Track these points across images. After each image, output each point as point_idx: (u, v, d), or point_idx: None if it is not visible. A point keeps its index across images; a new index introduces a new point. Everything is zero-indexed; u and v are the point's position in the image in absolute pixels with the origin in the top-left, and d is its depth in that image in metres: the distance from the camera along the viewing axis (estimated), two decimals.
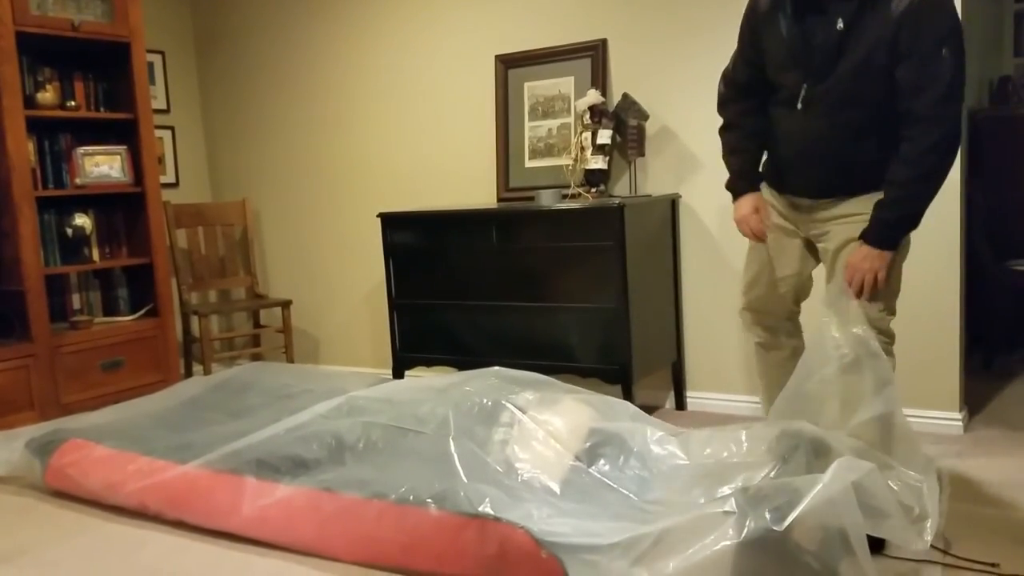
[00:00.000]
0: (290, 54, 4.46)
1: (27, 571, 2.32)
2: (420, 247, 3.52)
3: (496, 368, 2.71)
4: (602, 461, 2.30)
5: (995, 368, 3.80)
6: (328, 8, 4.29)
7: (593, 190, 3.36)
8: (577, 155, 3.42)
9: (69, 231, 3.80)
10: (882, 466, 2.06)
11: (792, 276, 2.46)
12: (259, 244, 4.72)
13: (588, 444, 2.34)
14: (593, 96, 3.36)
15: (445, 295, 3.45)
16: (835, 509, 1.77)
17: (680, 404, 3.52)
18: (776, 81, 2.31)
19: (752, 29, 2.35)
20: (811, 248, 2.45)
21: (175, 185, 4.67)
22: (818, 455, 2.07)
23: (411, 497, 2.15)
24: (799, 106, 2.23)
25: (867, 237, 2.17)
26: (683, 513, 1.92)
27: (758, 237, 2.45)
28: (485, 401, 2.46)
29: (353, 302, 4.43)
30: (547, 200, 3.25)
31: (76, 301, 3.95)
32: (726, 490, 2.06)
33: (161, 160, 4.52)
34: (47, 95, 3.69)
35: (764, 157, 2.47)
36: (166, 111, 4.63)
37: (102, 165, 3.85)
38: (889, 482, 2.05)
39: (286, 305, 4.37)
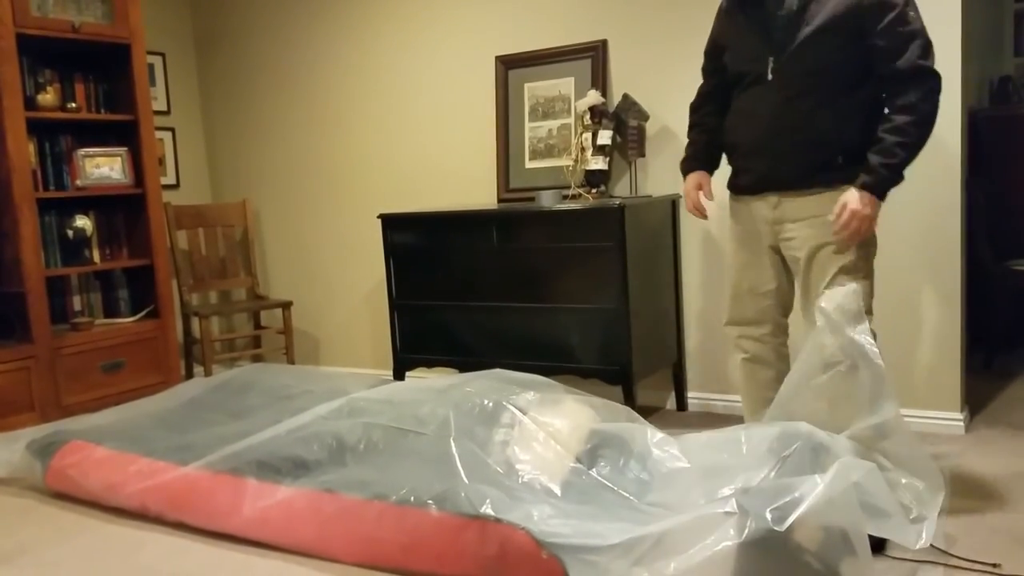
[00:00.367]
0: (290, 55, 4.47)
1: (28, 571, 2.32)
2: (421, 248, 3.52)
3: (497, 369, 2.71)
4: (602, 463, 2.30)
5: (996, 368, 3.80)
6: (328, 9, 4.29)
7: (593, 191, 3.36)
8: (577, 156, 3.42)
9: (70, 232, 3.80)
10: (881, 467, 2.07)
11: (773, 291, 2.53)
12: (259, 245, 4.72)
13: (589, 446, 2.34)
14: (593, 97, 3.36)
15: (446, 296, 3.45)
16: (836, 509, 1.77)
17: (681, 405, 3.52)
18: (742, 70, 2.42)
19: (717, 33, 2.56)
20: (784, 259, 2.51)
21: (176, 186, 4.67)
22: (817, 455, 2.07)
23: (412, 498, 2.15)
24: (769, 77, 2.32)
25: (868, 184, 2.21)
26: (684, 514, 1.92)
27: (699, 212, 2.63)
28: (486, 402, 2.46)
29: (354, 303, 4.43)
30: (547, 201, 3.25)
31: (77, 302, 3.95)
32: (726, 491, 2.06)
33: (161, 161, 4.53)
34: (48, 97, 3.70)
35: (732, 167, 2.56)
36: (166, 112, 4.64)
37: (103, 167, 3.86)
38: (888, 483, 2.05)
39: (287, 306, 4.37)
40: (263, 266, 4.73)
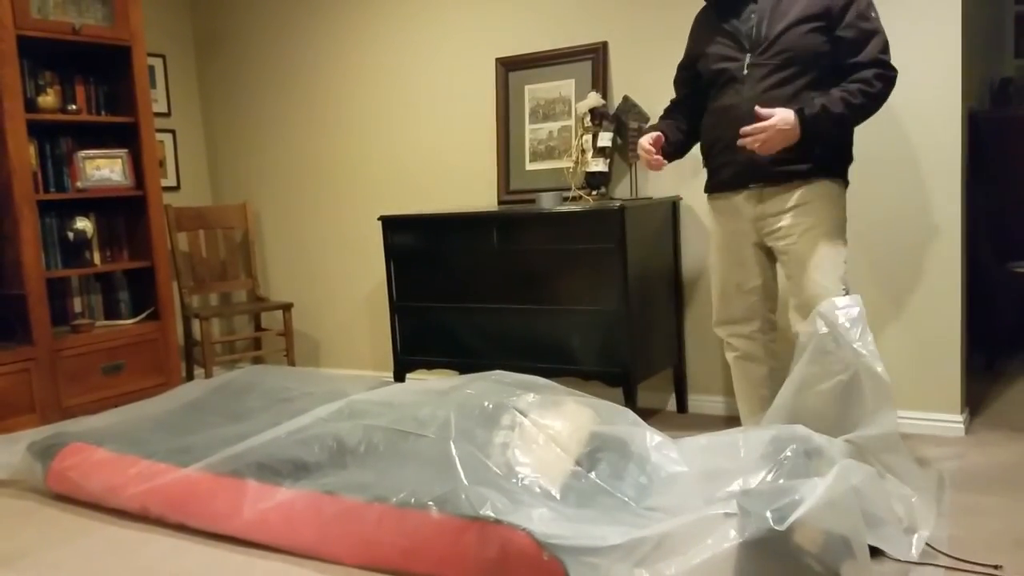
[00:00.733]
0: (290, 57, 4.47)
1: (28, 573, 2.32)
2: (421, 250, 3.53)
3: (497, 371, 2.71)
4: (602, 466, 2.30)
5: (997, 369, 3.80)
6: (328, 11, 4.30)
7: (594, 192, 3.37)
8: (578, 158, 3.42)
9: (70, 235, 3.80)
10: (878, 473, 2.07)
11: (759, 287, 2.60)
12: (260, 247, 4.72)
13: (589, 448, 2.34)
14: (594, 99, 3.36)
15: (446, 298, 3.45)
16: (837, 512, 1.77)
17: (682, 407, 3.52)
18: (717, 71, 2.51)
19: (691, 45, 2.66)
20: (769, 254, 2.59)
21: (176, 188, 4.68)
22: (811, 459, 2.07)
23: (412, 500, 2.15)
24: (744, 72, 2.44)
25: (801, 112, 2.30)
26: (684, 516, 1.92)
27: (648, 163, 2.60)
28: (486, 404, 2.46)
29: (354, 305, 4.43)
30: (548, 203, 3.25)
31: (77, 304, 3.96)
32: (725, 494, 2.05)
33: (162, 163, 4.53)
34: (48, 99, 3.70)
35: (710, 169, 2.64)
36: (167, 114, 4.64)
37: (103, 168, 3.86)
38: (884, 489, 2.05)
39: (287, 308, 4.38)
40: (263, 268, 4.73)
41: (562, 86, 3.62)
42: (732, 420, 3.08)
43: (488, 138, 3.84)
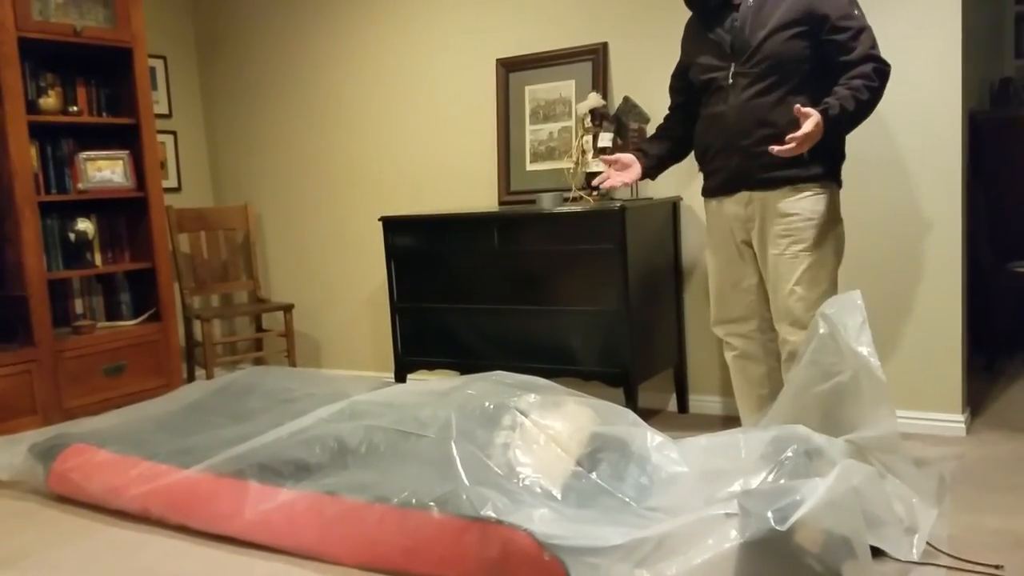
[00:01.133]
0: (291, 59, 4.47)
1: (29, 574, 2.32)
2: (422, 251, 3.53)
3: (498, 372, 2.71)
4: (603, 466, 2.30)
5: (997, 369, 3.80)
6: (329, 12, 4.30)
7: (594, 193, 3.37)
8: (578, 158, 3.42)
9: (72, 236, 3.81)
10: (879, 473, 2.07)
11: (755, 285, 2.61)
12: (261, 248, 4.73)
13: (589, 449, 2.34)
14: (594, 99, 3.36)
15: (447, 299, 3.46)
16: (838, 512, 1.77)
17: (682, 407, 3.52)
18: (707, 79, 2.54)
19: (683, 54, 2.69)
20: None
21: (177, 190, 4.68)
22: (812, 459, 2.07)
23: (413, 500, 2.15)
24: (730, 80, 2.46)
25: (827, 113, 2.29)
26: (685, 516, 1.92)
27: (606, 172, 2.74)
28: (487, 404, 2.46)
29: (355, 306, 4.43)
30: (548, 203, 3.26)
31: (79, 306, 3.96)
32: (726, 494, 2.06)
33: (163, 165, 4.54)
34: (49, 100, 3.70)
35: (704, 173, 2.67)
36: (168, 116, 4.64)
37: (104, 170, 3.86)
38: (885, 489, 2.06)
39: (288, 309, 4.38)
40: (264, 269, 4.74)
41: (562, 87, 3.62)
42: (733, 420, 3.08)
43: (488, 139, 3.84)
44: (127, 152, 3.93)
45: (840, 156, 2.54)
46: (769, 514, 1.74)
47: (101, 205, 3.95)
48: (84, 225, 3.83)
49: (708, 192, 2.66)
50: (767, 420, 2.37)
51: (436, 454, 2.30)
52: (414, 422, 2.46)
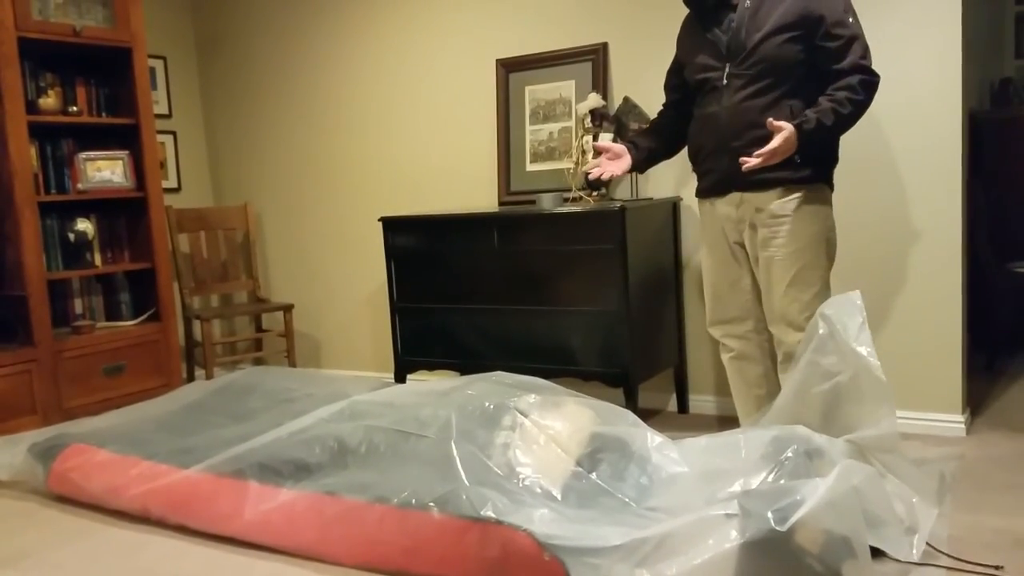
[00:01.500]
0: (291, 59, 4.47)
1: (29, 574, 2.32)
2: (422, 251, 3.53)
3: (498, 372, 2.71)
4: (603, 467, 2.30)
5: (997, 369, 3.80)
6: (329, 12, 4.30)
7: (594, 193, 3.37)
8: (578, 159, 3.42)
9: (71, 236, 3.81)
10: (879, 473, 2.07)
11: (751, 285, 2.62)
12: (261, 248, 4.73)
13: (589, 449, 2.34)
14: (594, 100, 3.36)
15: (447, 299, 3.46)
16: (838, 512, 1.77)
17: (682, 407, 3.52)
18: (701, 79, 2.54)
19: (679, 53, 2.68)
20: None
21: (177, 190, 4.68)
22: (812, 459, 2.07)
23: (413, 501, 2.15)
24: (724, 81, 2.46)
25: (801, 128, 2.30)
26: (685, 516, 1.92)
27: (598, 160, 2.77)
28: (487, 404, 2.46)
29: (355, 306, 4.43)
30: (548, 204, 3.26)
31: (78, 306, 3.96)
32: (726, 495, 2.06)
33: (163, 165, 4.54)
34: (49, 100, 3.70)
35: (697, 173, 2.68)
36: (168, 116, 4.64)
37: (104, 170, 3.86)
38: (885, 489, 2.06)
39: (288, 309, 4.38)
40: (264, 269, 4.74)
41: (562, 87, 3.62)
42: (732, 421, 3.08)
43: (488, 139, 3.84)
44: (127, 152, 3.93)
45: (833, 159, 2.53)
46: (769, 514, 1.74)
47: (101, 205, 3.95)
48: (84, 225, 3.83)
49: (701, 193, 2.67)
50: (767, 420, 2.37)
51: (436, 454, 2.30)
52: (414, 422, 2.46)
